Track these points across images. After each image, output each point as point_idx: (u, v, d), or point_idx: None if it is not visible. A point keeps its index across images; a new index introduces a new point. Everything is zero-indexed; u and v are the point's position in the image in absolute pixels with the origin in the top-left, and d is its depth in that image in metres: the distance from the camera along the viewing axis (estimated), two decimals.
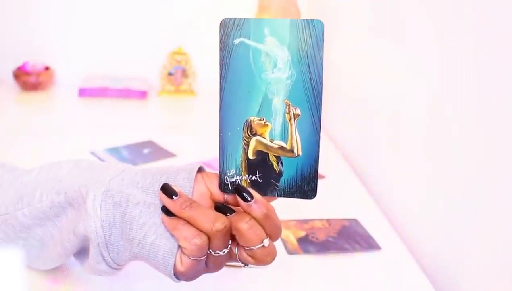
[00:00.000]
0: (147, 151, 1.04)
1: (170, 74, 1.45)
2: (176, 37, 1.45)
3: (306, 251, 0.73)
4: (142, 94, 1.40)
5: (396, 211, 0.87)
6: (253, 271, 0.65)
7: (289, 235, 0.76)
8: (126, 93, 1.39)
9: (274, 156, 0.48)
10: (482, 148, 0.64)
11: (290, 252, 0.72)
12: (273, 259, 0.49)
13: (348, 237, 0.76)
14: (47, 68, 1.42)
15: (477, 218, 0.66)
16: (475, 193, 0.66)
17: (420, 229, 0.80)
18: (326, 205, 0.78)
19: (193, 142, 1.08)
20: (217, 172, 0.50)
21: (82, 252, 0.54)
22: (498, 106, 0.61)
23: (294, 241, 0.75)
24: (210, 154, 0.99)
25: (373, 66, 1.01)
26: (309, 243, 0.74)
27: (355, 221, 0.81)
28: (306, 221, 0.79)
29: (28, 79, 1.38)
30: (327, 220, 0.80)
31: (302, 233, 0.76)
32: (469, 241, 0.67)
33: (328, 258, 0.72)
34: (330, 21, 1.24)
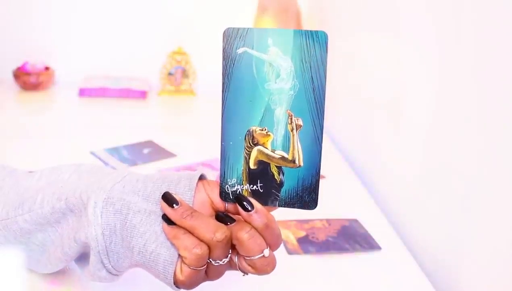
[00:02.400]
0: (147, 151, 1.04)
1: (170, 74, 1.45)
2: (176, 37, 1.45)
3: (306, 251, 0.73)
4: (142, 94, 1.40)
5: (396, 211, 0.87)
6: None
7: (289, 235, 0.76)
8: (126, 93, 1.39)
9: (275, 166, 0.48)
10: (482, 147, 0.65)
11: (290, 252, 0.73)
12: (273, 268, 0.50)
13: (348, 237, 0.76)
14: (47, 68, 1.42)
15: (477, 218, 0.66)
16: (475, 193, 0.66)
17: (420, 229, 0.80)
18: (326, 205, 0.78)
19: (193, 143, 1.08)
20: (218, 180, 0.50)
21: (82, 257, 0.54)
22: (499, 105, 0.61)
23: (294, 241, 0.75)
24: (210, 154, 0.99)
25: (374, 66, 1.01)
26: (309, 243, 0.74)
27: (355, 221, 0.81)
28: (306, 221, 0.79)
29: (28, 79, 1.38)
30: (327, 220, 0.80)
31: (302, 233, 0.77)
32: (469, 241, 0.67)
33: (328, 258, 0.72)
34: (330, 21, 1.25)
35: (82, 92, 1.38)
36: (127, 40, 1.49)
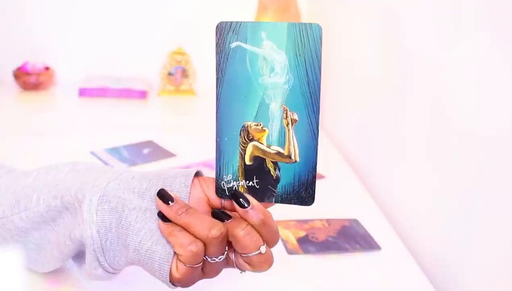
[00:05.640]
0: (147, 151, 1.04)
1: (170, 74, 1.44)
2: (176, 37, 1.45)
3: (306, 251, 0.73)
4: (142, 94, 1.40)
5: (396, 211, 0.87)
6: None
7: (289, 235, 0.76)
8: (126, 93, 1.39)
9: (271, 161, 0.48)
10: (483, 148, 0.64)
11: (290, 252, 0.72)
12: (270, 266, 0.49)
13: (348, 237, 0.76)
14: (47, 68, 1.42)
15: (477, 217, 0.65)
16: (475, 193, 0.66)
17: (420, 229, 0.79)
18: (326, 205, 0.78)
19: (193, 143, 1.08)
20: (214, 177, 0.49)
21: (80, 256, 0.54)
22: (499, 105, 0.61)
23: (294, 241, 0.74)
24: (210, 154, 0.98)
25: (374, 66, 1.01)
26: (309, 243, 0.74)
27: (355, 221, 0.81)
28: (306, 221, 0.79)
29: (28, 79, 1.38)
30: (327, 220, 0.80)
31: (302, 233, 0.76)
32: (469, 241, 0.67)
33: (328, 258, 0.72)
34: (330, 21, 1.25)
35: (82, 92, 1.38)
36: (127, 40, 1.49)
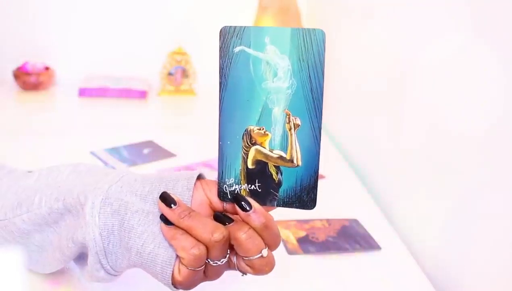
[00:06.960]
0: (147, 151, 1.04)
1: (170, 74, 1.45)
2: (176, 37, 1.45)
3: (306, 251, 0.73)
4: (142, 94, 1.40)
5: (396, 211, 0.87)
6: None
7: (289, 235, 0.76)
8: (126, 93, 1.39)
9: (273, 165, 0.48)
10: (483, 148, 0.64)
11: (290, 252, 0.73)
12: (272, 269, 0.49)
13: (348, 237, 0.76)
14: (47, 68, 1.42)
15: (477, 218, 0.66)
16: (475, 193, 0.66)
17: (420, 229, 0.80)
18: (326, 205, 0.78)
19: (193, 143, 1.08)
20: (217, 180, 0.49)
21: (81, 258, 0.54)
22: (498, 105, 0.61)
23: (294, 241, 0.75)
24: (210, 154, 0.99)
25: (374, 66, 1.01)
26: (309, 243, 0.74)
27: (355, 221, 0.81)
28: (306, 221, 0.79)
29: (28, 79, 1.38)
30: (327, 220, 0.80)
31: (302, 233, 0.77)
32: (469, 241, 0.67)
33: (328, 258, 0.72)
34: (330, 21, 1.25)
35: (82, 92, 1.38)
36: (127, 40, 1.49)
